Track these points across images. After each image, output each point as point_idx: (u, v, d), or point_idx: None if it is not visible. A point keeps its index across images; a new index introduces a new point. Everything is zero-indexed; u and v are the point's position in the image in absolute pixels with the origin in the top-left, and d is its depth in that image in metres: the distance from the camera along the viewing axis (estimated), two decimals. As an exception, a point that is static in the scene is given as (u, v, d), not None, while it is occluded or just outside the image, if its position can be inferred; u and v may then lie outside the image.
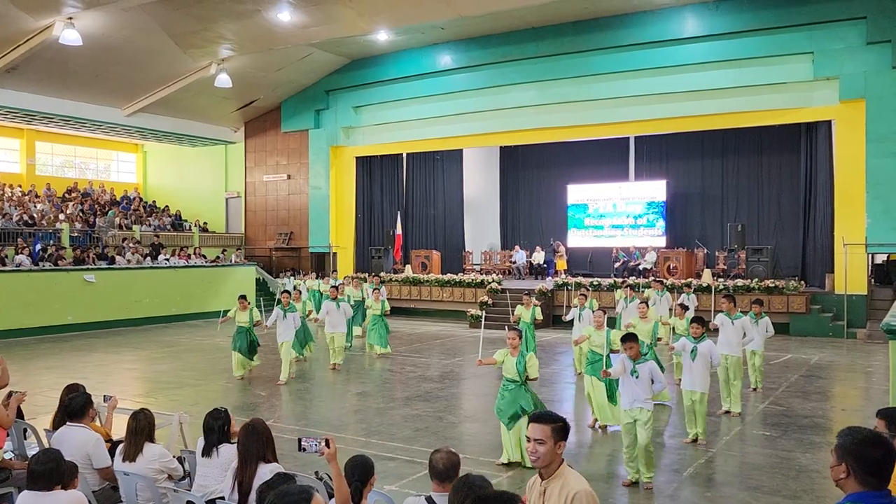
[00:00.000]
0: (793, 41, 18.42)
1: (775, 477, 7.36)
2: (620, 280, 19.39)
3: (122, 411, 6.36)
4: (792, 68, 18.65)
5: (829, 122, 19.05)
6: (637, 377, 7.06)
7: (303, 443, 4.13)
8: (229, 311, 13.24)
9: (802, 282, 19.27)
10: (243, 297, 13.10)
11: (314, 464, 5.96)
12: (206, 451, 4.85)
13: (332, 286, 19.65)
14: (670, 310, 13.87)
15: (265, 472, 4.20)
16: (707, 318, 10.64)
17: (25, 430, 6.36)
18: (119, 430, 5.94)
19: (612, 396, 9.17)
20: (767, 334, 11.32)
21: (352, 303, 16.29)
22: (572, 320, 13.30)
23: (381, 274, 23.59)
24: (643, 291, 15.86)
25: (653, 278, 18.88)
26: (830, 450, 2.77)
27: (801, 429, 9.21)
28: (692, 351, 8.43)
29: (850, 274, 17.78)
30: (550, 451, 3.36)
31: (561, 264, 24.06)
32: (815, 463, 7.75)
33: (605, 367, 8.02)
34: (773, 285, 18.45)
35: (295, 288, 19.96)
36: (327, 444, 4.13)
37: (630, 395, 7.11)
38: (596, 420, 9.42)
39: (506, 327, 8.51)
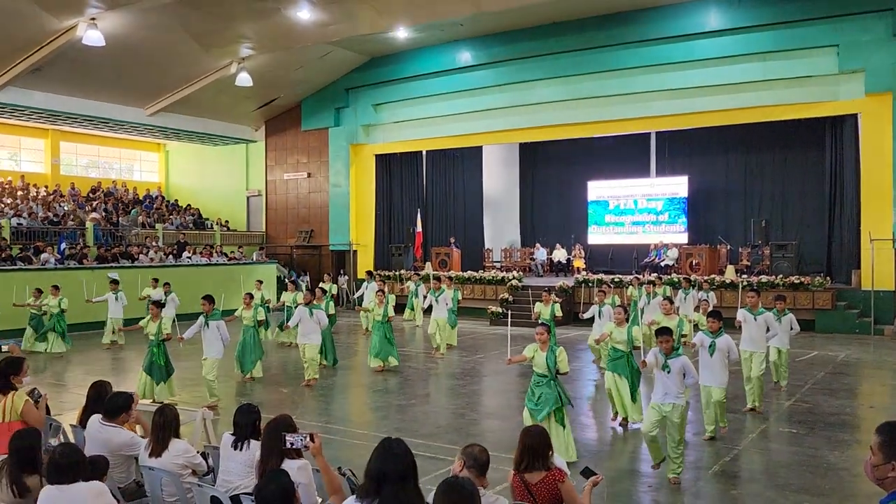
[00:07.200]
0: (817, 34, 18.15)
1: (803, 475, 7.26)
2: (634, 277, 19.05)
3: (144, 408, 6.41)
4: (816, 61, 18.38)
5: (855, 116, 18.74)
6: (668, 372, 6.99)
7: (288, 438, 4.08)
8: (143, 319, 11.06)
9: (828, 278, 18.99)
10: (155, 303, 11.00)
11: (336, 460, 5.97)
12: (236, 445, 4.87)
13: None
14: (696, 307, 13.76)
15: (292, 467, 4.20)
16: (731, 316, 10.55)
17: (51, 426, 6.42)
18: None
19: (633, 393, 9.10)
20: (792, 332, 11.15)
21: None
22: (592, 317, 13.21)
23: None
24: (652, 286, 15.78)
25: (676, 275, 18.62)
26: (870, 446, 2.70)
27: (829, 426, 9.08)
28: (710, 346, 8.34)
29: (878, 270, 17.50)
30: None
31: (578, 263, 23.99)
32: (843, 461, 7.63)
33: (637, 361, 7.94)
34: (799, 282, 18.21)
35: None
36: (312, 439, 4.12)
37: (662, 389, 7.04)
38: (616, 415, 9.35)
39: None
